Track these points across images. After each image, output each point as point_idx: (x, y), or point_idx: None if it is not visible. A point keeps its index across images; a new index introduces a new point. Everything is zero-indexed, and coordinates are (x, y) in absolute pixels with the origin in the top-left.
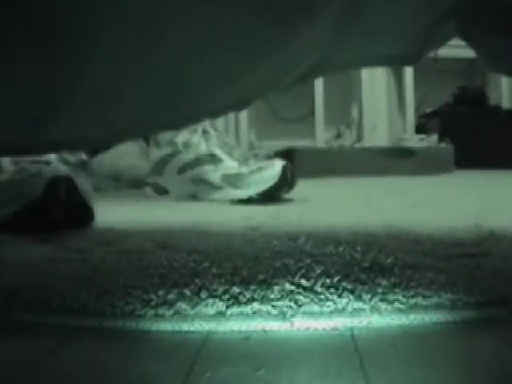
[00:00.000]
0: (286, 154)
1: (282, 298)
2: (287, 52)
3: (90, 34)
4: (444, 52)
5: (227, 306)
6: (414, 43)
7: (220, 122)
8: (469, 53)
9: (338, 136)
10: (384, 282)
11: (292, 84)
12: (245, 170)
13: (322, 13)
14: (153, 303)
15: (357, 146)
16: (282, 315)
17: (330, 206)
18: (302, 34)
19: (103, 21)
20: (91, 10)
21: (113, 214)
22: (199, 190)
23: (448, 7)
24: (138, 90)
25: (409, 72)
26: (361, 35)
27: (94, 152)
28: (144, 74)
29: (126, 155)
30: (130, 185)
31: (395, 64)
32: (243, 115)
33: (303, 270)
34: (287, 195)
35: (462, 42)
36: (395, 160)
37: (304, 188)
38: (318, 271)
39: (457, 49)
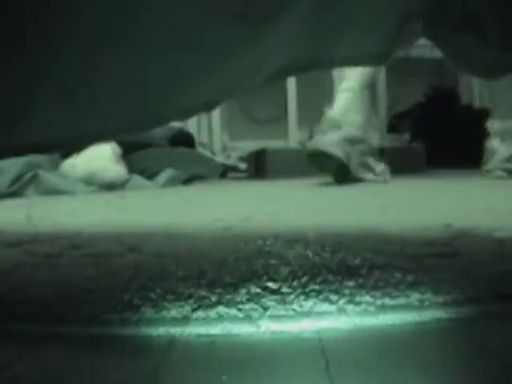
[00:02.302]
0: (259, 155)
1: (248, 301)
2: (252, 52)
3: (62, 32)
4: (416, 52)
5: (193, 310)
6: (382, 43)
7: (192, 122)
8: (440, 53)
9: (311, 136)
10: (351, 283)
11: (262, 84)
12: None
13: (286, 12)
14: (118, 308)
15: None
16: (249, 319)
17: (301, 206)
18: (267, 33)
19: (75, 19)
20: (64, 9)
21: (84, 217)
22: None
23: (411, 10)
24: (110, 90)
25: (381, 72)
26: (330, 35)
27: (66, 154)
28: (115, 75)
29: (99, 158)
30: (102, 187)
31: (363, 64)
32: (216, 116)
33: (270, 272)
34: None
35: None
36: None
37: (276, 189)
38: (286, 273)
39: (428, 49)
